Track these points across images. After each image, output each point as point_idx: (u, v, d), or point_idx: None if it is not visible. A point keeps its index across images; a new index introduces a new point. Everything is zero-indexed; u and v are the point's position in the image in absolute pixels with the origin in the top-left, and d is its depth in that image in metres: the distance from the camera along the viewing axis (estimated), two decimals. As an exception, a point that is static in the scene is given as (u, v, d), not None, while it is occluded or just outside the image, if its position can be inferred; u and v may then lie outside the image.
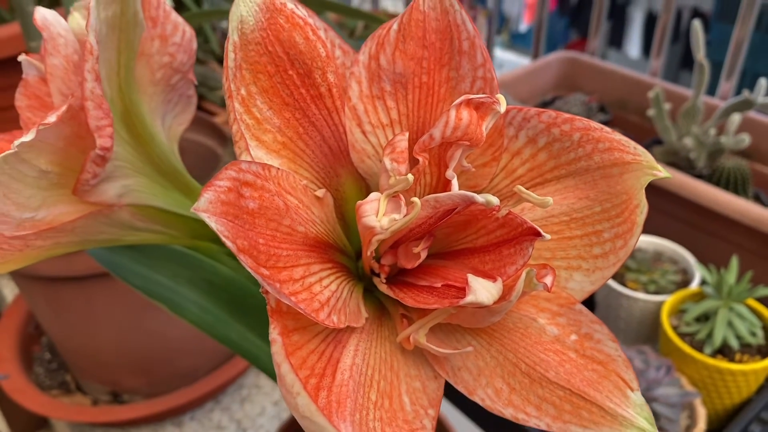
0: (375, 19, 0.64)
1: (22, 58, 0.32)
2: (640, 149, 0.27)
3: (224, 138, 0.88)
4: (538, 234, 0.25)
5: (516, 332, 0.28)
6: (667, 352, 0.77)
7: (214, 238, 0.38)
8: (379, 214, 0.26)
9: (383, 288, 0.28)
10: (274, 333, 0.23)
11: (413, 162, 0.29)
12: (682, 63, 3.37)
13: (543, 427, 0.26)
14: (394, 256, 0.29)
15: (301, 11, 0.29)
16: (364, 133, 0.30)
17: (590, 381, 0.27)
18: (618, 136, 0.27)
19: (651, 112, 1.03)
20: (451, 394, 0.72)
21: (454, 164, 0.28)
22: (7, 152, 0.26)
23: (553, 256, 0.29)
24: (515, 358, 0.28)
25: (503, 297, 0.25)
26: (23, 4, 0.54)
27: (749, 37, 1.05)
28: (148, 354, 0.79)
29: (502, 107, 0.27)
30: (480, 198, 0.24)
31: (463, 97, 0.26)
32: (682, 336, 0.77)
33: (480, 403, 0.27)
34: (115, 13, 0.28)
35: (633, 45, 3.97)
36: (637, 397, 0.26)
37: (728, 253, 0.83)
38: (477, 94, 0.30)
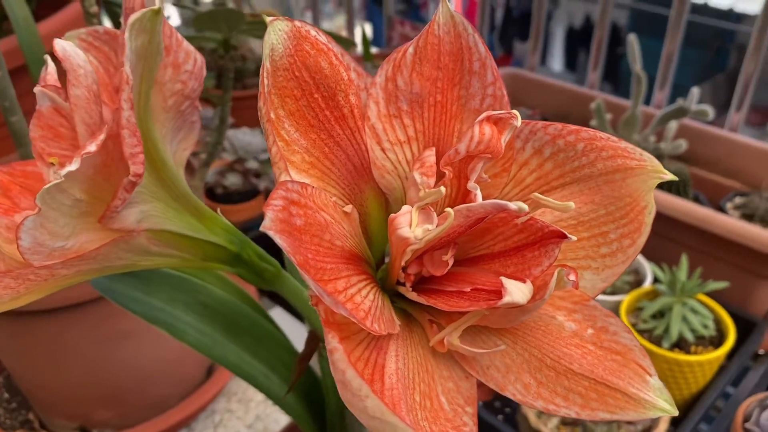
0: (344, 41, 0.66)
1: (37, 89, 0.32)
2: (646, 155, 0.29)
3: (192, 169, 0.87)
4: (564, 236, 0.27)
5: (537, 330, 0.31)
6: (628, 348, 0.81)
7: (224, 260, 0.39)
8: (412, 226, 0.28)
9: (412, 296, 0.30)
10: (334, 342, 0.24)
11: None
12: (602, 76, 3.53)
13: (573, 415, 0.28)
14: (419, 265, 0.31)
15: (323, 37, 0.30)
16: (383, 150, 0.31)
17: (612, 370, 0.29)
18: (624, 144, 0.30)
19: (593, 122, 1.08)
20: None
21: (475, 176, 0.30)
22: (53, 182, 0.26)
23: (564, 257, 0.32)
24: (540, 353, 0.30)
25: (535, 296, 0.27)
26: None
27: (678, 50, 1.12)
28: (118, 384, 0.78)
29: (519, 121, 0.29)
30: (512, 205, 0.26)
31: (485, 114, 0.28)
32: (641, 332, 0.82)
33: (511, 397, 0.29)
34: (143, 42, 0.29)
35: (556, 60, 4.13)
36: (655, 381, 0.29)
37: (675, 252, 0.88)
38: (487, 110, 0.32)
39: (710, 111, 0.99)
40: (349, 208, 0.30)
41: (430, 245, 0.29)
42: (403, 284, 0.31)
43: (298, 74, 0.29)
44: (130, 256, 0.35)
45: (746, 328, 0.87)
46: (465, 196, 0.30)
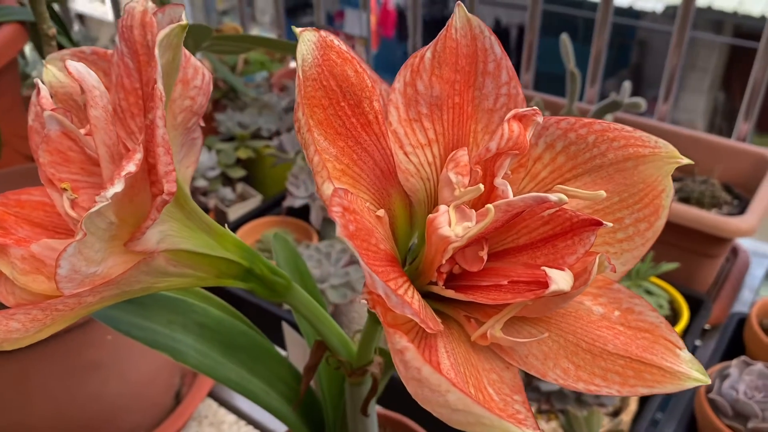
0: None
1: (46, 113, 0.31)
2: (662, 142, 0.31)
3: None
4: (600, 223, 0.28)
5: (569, 316, 0.32)
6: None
7: (237, 276, 0.38)
8: (452, 225, 0.29)
9: (448, 293, 0.31)
10: (402, 341, 0.24)
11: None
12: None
13: (614, 393, 0.30)
14: (451, 263, 0.31)
15: (344, 46, 0.31)
16: (406, 154, 0.32)
17: (644, 347, 0.31)
18: (638, 134, 0.31)
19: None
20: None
21: (502, 172, 0.31)
22: (99, 205, 0.25)
23: (582, 245, 0.33)
24: (575, 338, 0.31)
25: (577, 283, 0.28)
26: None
27: (606, 49, 1.17)
28: (88, 417, 0.75)
29: (541, 118, 0.30)
30: (552, 197, 0.27)
31: (513, 112, 0.30)
32: (603, 318, 0.85)
33: (554, 382, 0.30)
34: (168, 59, 0.29)
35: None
36: (686, 354, 0.30)
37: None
38: (501, 109, 0.33)
39: (643, 103, 1.04)
40: (381, 212, 0.31)
41: (468, 242, 0.30)
42: (435, 283, 0.32)
43: (325, 83, 0.30)
44: (148, 278, 0.34)
45: (694, 305, 0.92)
46: (490, 192, 0.31)
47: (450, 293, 0.31)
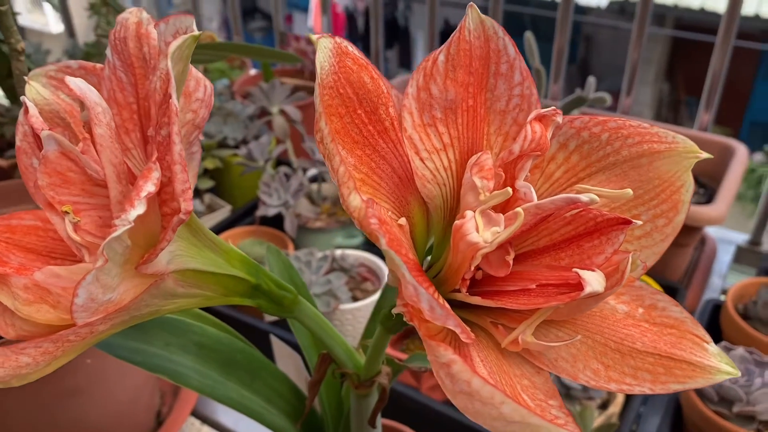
0: (286, 57, 0.64)
1: (44, 133, 0.30)
2: (680, 138, 0.31)
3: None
4: (628, 222, 0.28)
5: (594, 316, 0.32)
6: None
7: (244, 293, 0.37)
8: (480, 230, 0.28)
9: (474, 300, 0.30)
10: (448, 354, 0.24)
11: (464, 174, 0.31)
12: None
13: (647, 391, 0.30)
14: (474, 269, 0.31)
15: (359, 52, 0.30)
16: (422, 159, 0.31)
17: (672, 343, 0.30)
18: (655, 130, 0.31)
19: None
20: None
21: (524, 175, 0.30)
22: (122, 229, 0.24)
23: (600, 243, 0.33)
24: (602, 338, 0.31)
25: (611, 284, 0.28)
26: None
27: (568, 46, 1.19)
28: (69, 447, 0.72)
29: (561, 118, 0.30)
30: (584, 198, 0.27)
31: (535, 112, 0.29)
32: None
33: (585, 384, 0.30)
34: (179, 71, 0.27)
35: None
36: (713, 347, 0.30)
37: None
38: (514, 110, 0.33)
39: (608, 98, 1.05)
40: (402, 221, 0.30)
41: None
42: (458, 290, 0.31)
43: (342, 91, 0.29)
44: (157, 301, 0.32)
45: (669, 294, 0.93)
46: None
47: (476, 300, 0.30)
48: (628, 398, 0.79)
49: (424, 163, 0.31)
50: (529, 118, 0.29)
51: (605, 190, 0.29)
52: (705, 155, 0.31)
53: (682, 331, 0.31)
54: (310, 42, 1.37)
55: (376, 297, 0.89)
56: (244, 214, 1.09)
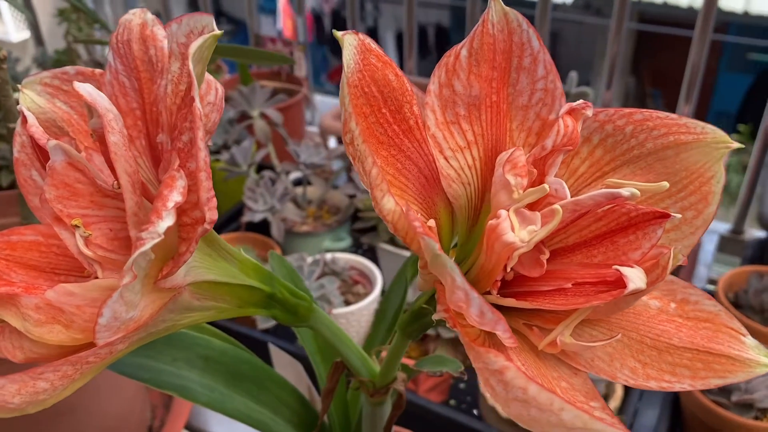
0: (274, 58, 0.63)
1: (51, 143, 0.28)
2: (709, 128, 0.30)
3: None
4: (666, 216, 0.27)
5: (627, 314, 0.31)
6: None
7: (258, 303, 0.35)
8: (516, 230, 0.27)
9: (508, 302, 0.29)
10: (500, 360, 0.23)
11: (489, 172, 0.30)
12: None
13: (687, 387, 0.29)
14: (503, 271, 0.30)
15: (381, 49, 0.29)
16: (446, 158, 0.30)
17: (708, 337, 0.30)
18: (684, 120, 0.31)
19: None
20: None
21: (554, 171, 0.29)
22: (151, 242, 0.22)
23: (628, 238, 0.32)
24: (638, 335, 0.30)
25: (653, 280, 0.27)
26: None
27: (547, 42, 1.19)
28: (62, 468, 0.69)
29: (591, 111, 0.29)
30: (625, 192, 0.26)
31: (566, 106, 0.28)
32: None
33: (624, 383, 0.29)
34: (197, 73, 0.26)
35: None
36: (750, 340, 0.30)
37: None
38: (537, 105, 0.32)
39: (590, 92, 1.06)
40: (431, 222, 0.29)
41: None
42: (488, 292, 0.30)
43: (367, 90, 0.28)
44: (173, 316, 0.31)
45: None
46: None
47: (510, 302, 0.29)
48: (627, 391, 0.79)
49: (448, 162, 0.30)
50: (561, 112, 0.28)
51: (641, 184, 0.28)
52: (736, 145, 0.30)
53: (717, 325, 0.30)
54: (286, 44, 1.35)
55: (368, 300, 0.88)
56: (229, 220, 1.07)
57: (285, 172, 1.05)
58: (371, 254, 1.03)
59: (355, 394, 0.53)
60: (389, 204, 0.25)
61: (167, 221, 0.23)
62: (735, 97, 3.99)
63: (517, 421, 0.23)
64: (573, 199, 0.27)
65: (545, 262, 0.29)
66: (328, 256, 0.90)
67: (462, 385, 0.91)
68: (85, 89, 0.27)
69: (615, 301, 0.28)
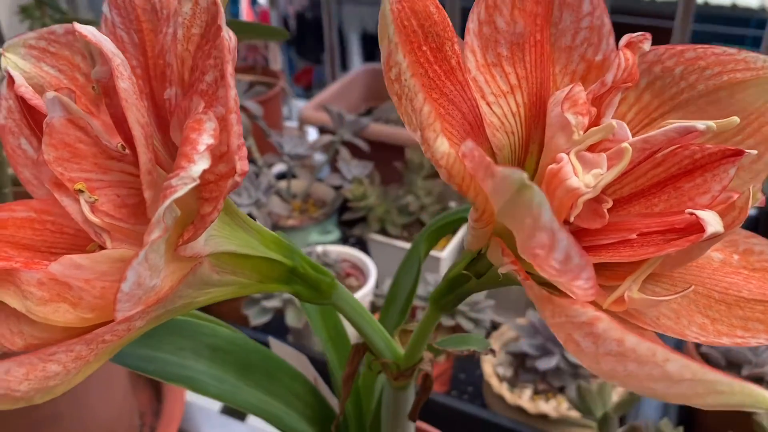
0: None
1: (49, 94, 0.24)
2: (772, 62, 0.28)
3: None
4: (740, 153, 0.25)
5: (691, 268, 0.28)
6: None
7: (279, 278, 0.32)
8: (579, 174, 0.24)
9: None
10: (589, 311, 0.20)
11: (533, 120, 0.28)
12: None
13: (762, 342, 0.27)
14: (564, 223, 0.27)
15: (418, -21, 0.26)
16: (489, 104, 0.27)
17: None
18: (742, 55, 0.28)
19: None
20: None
21: (611, 111, 0.27)
22: (187, 186, 0.19)
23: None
24: (704, 289, 0.28)
25: (731, 223, 0.25)
26: None
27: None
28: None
29: (648, 44, 0.27)
30: (700, 125, 0.24)
31: (626, 38, 0.26)
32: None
33: (694, 341, 0.27)
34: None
35: (356, 62, 4.26)
36: (823, 288, 0.28)
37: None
38: (582, 45, 0.29)
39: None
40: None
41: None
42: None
43: (406, 23, 0.25)
44: (191, 291, 0.28)
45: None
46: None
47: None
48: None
49: (491, 108, 0.27)
50: (621, 44, 0.26)
51: (708, 122, 0.26)
52: (802, 79, 0.28)
53: (787, 275, 0.28)
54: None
55: (362, 292, 0.85)
56: (210, 218, 1.03)
57: (267, 165, 1.01)
58: (360, 247, 0.99)
59: (367, 382, 0.50)
60: (443, 146, 0.22)
61: (202, 164, 0.19)
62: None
63: (607, 378, 0.20)
64: (642, 136, 0.24)
65: (606, 212, 0.26)
66: (320, 248, 0.87)
67: (462, 376, 0.89)
68: (89, 30, 0.23)
69: (689, 249, 0.25)
